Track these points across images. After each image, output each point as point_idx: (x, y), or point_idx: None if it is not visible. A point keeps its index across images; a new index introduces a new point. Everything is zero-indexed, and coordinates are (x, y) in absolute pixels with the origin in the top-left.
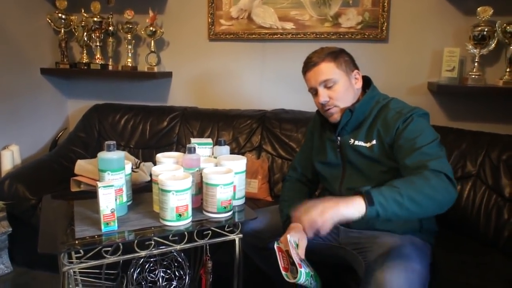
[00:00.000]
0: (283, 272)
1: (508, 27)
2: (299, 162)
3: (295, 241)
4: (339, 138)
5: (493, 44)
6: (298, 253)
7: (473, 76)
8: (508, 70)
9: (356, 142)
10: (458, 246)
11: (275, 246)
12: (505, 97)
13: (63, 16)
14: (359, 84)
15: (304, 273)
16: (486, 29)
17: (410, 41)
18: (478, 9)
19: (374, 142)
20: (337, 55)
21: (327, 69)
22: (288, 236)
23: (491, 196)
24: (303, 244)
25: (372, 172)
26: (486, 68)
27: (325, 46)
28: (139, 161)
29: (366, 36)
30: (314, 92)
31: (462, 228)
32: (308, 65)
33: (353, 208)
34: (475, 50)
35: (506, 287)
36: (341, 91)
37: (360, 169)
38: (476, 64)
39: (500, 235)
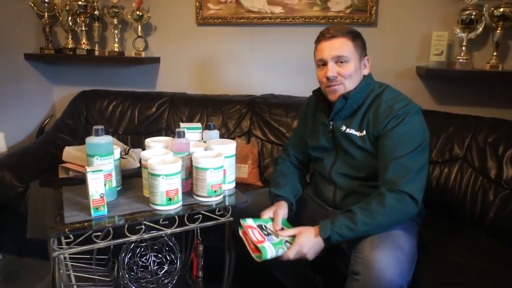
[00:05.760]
0: (253, 255)
1: (495, 11)
2: (291, 145)
3: (270, 217)
4: (331, 123)
5: (480, 28)
6: (260, 232)
7: (461, 60)
8: (495, 54)
9: (348, 130)
10: (444, 226)
11: (240, 232)
12: (492, 81)
13: (46, 0)
14: (366, 71)
15: (268, 247)
16: (474, 13)
17: (399, 25)
18: None
19: (364, 132)
20: (356, 36)
21: (345, 46)
22: (241, 220)
23: (478, 178)
24: (280, 216)
25: (363, 159)
26: (473, 52)
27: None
28: (128, 148)
29: (355, 20)
30: (321, 63)
31: (449, 209)
32: (326, 35)
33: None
34: (463, 34)
35: (490, 266)
36: (351, 70)
37: (352, 156)
38: (463, 48)
39: (486, 216)
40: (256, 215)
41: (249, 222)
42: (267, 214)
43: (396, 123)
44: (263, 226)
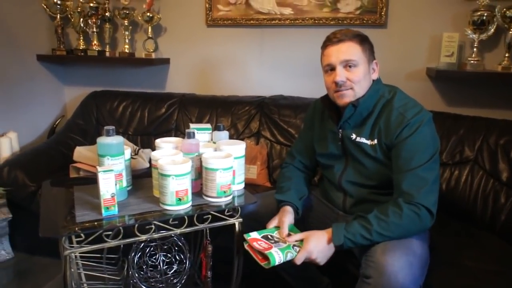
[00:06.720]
0: (262, 264)
1: (507, 12)
2: (297, 149)
3: (275, 226)
4: (340, 131)
5: (492, 29)
6: (266, 241)
7: (472, 62)
8: (507, 55)
9: (359, 139)
10: (455, 230)
11: (245, 246)
12: (503, 83)
13: (58, 2)
14: (375, 75)
15: (276, 253)
16: (485, 14)
17: (409, 26)
18: None
19: (376, 141)
20: (363, 40)
21: (353, 50)
22: (245, 235)
23: (489, 180)
24: (285, 224)
25: (374, 167)
26: (485, 54)
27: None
28: (138, 148)
29: (364, 21)
30: (329, 68)
31: (459, 212)
32: (333, 40)
33: (330, 251)
34: (474, 35)
35: (501, 269)
36: (360, 75)
37: (362, 164)
38: (475, 49)
39: (497, 219)
40: (263, 218)
41: (253, 235)
42: (272, 224)
43: (410, 132)
44: (269, 236)
